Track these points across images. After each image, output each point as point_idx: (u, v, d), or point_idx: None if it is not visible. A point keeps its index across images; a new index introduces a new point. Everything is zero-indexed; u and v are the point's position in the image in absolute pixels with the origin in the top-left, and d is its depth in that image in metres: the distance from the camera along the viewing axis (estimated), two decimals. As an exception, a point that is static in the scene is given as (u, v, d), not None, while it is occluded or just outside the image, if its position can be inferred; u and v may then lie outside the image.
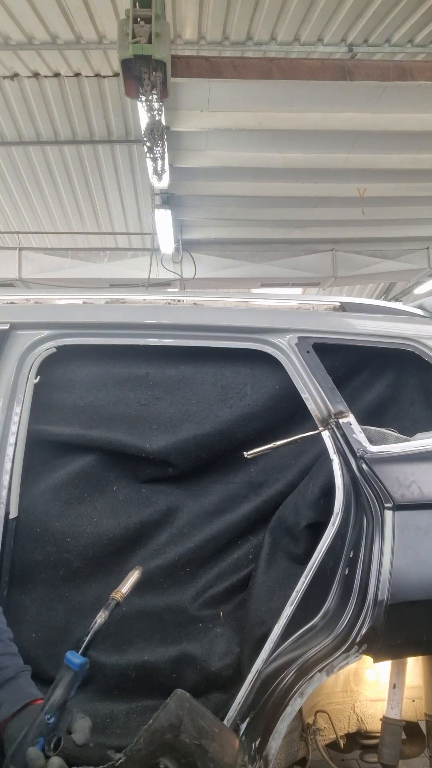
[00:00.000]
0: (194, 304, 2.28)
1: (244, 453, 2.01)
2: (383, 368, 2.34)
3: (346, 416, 2.01)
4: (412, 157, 5.61)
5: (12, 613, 1.79)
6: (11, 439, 1.98)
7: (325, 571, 1.86)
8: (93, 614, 2.06)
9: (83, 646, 1.48)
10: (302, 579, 1.85)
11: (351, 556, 1.82)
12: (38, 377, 2.08)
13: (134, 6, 3.65)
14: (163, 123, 4.52)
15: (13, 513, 1.99)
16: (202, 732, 1.32)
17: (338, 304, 2.34)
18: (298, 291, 9.71)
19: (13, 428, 1.99)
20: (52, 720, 1.35)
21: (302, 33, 5.57)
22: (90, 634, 1.50)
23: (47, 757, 1.29)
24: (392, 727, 1.96)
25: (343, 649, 1.69)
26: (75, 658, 1.44)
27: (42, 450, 2.15)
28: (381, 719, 1.99)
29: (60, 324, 2.13)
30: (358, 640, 1.69)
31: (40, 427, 2.12)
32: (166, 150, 4.93)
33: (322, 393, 2.05)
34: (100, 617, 1.53)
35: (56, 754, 1.30)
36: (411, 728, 2.15)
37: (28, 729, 1.35)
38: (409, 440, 2.03)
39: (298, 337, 2.12)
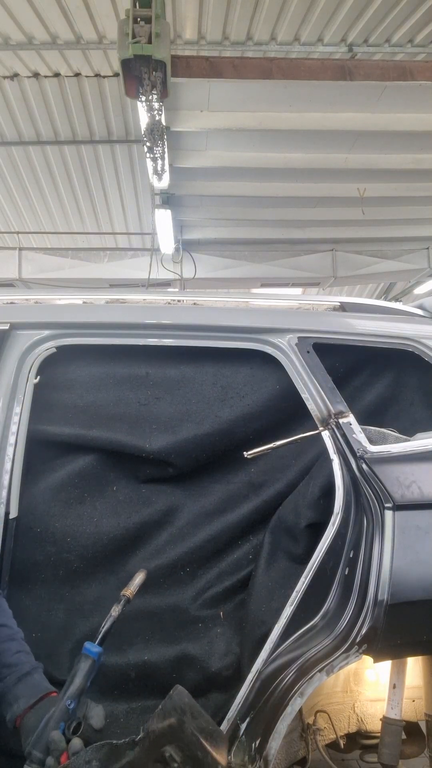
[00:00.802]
0: (194, 304, 2.28)
1: (244, 453, 2.01)
2: (383, 368, 2.34)
3: (346, 416, 2.01)
4: (412, 157, 5.61)
5: (12, 614, 1.80)
6: (11, 439, 1.98)
7: (325, 571, 1.86)
8: (93, 614, 2.07)
9: (100, 636, 1.62)
10: (302, 579, 1.86)
11: (351, 556, 1.82)
12: (38, 377, 2.08)
13: (134, 6, 3.65)
14: (163, 123, 4.52)
15: (13, 513, 1.99)
16: (200, 726, 1.38)
17: (338, 304, 2.34)
18: (298, 291, 9.71)
19: (13, 428, 1.99)
20: (72, 706, 1.46)
21: (302, 33, 5.57)
22: (106, 625, 1.65)
23: (68, 740, 1.40)
24: (392, 727, 1.96)
25: (343, 649, 1.69)
26: (92, 647, 1.58)
27: (42, 450, 2.15)
28: (381, 719, 1.99)
29: (60, 324, 2.13)
30: (358, 640, 1.69)
31: (41, 427, 2.12)
32: (166, 150, 4.93)
33: (322, 393, 2.05)
34: (114, 611, 1.67)
35: (76, 737, 1.43)
36: (411, 728, 2.15)
37: (50, 715, 1.45)
38: (409, 440, 2.03)
39: (298, 337, 2.12)
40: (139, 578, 1.78)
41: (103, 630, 1.64)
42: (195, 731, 1.33)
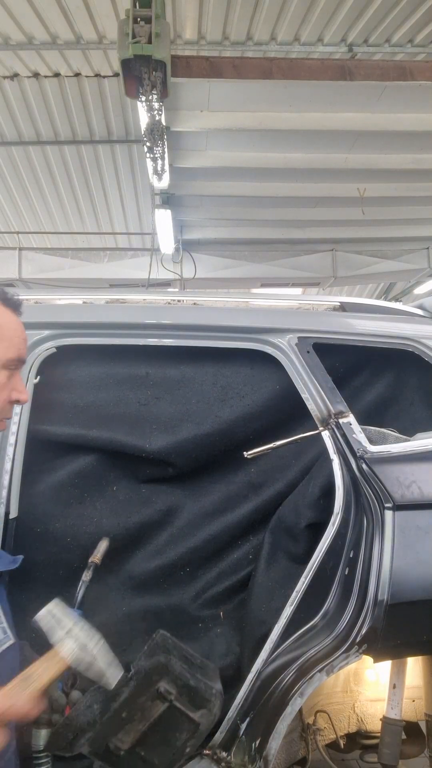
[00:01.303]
0: (194, 304, 2.28)
1: (244, 453, 2.01)
2: (383, 368, 2.34)
3: (346, 416, 2.01)
4: (412, 157, 5.61)
5: (12, 614, 1.79)
6: (11, 439, 1.98)
7: (325, 571, 1.86)
8: (94, 615, 2.07)
9: (77, 601, 1.81)
10: (302, 579, 1.86)
11: (351, 556, 1.82)
12: (38, 377, 2.08)
13: (134, 6, 3.65)
14: (163, 123, 4.52)
15: (13, 513, 1.99)
16: (188, 660, 1.49)
17: (338, 304, 2.33)
18: (298, 291, 9.71)
19: (13, 428, 1.99)
20: None
21: (302, 33, 5.57)
22: (81, 590, 1.84)
23: (67, 695, 1.53)
24: (392, 727, 1.96)
25: (343, 649, 1.69)
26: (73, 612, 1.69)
27: (42, 450, 2.15)
28: (381, 719, 1.99)
29: (60, 324, 2.13)
30: (358, 640, 1.69)
31: (40, 427, 2.12)
32: (166, 150, 4.92)
33: (322, 393, 2.04)
34: (86, 576, 1.85)
35: (74, 690, 1.57)
36: (411, 728, 2.15)
37: None
38: (409, 440, 2.03)
39: (298, 337, 2.12)
40: (103, 546, 1.93)
41: (79, 595, 1.83)
42: (183, 664, 1.44)
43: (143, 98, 4.05)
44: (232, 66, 4.26)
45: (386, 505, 1.77)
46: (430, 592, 1.72)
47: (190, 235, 8.08)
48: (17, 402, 1.32)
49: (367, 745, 2.14)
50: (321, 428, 2.00)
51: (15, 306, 1.30)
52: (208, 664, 1.56)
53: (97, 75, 6.18)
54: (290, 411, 2.21)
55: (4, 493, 1.95)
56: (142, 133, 4.61)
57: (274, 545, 2.16)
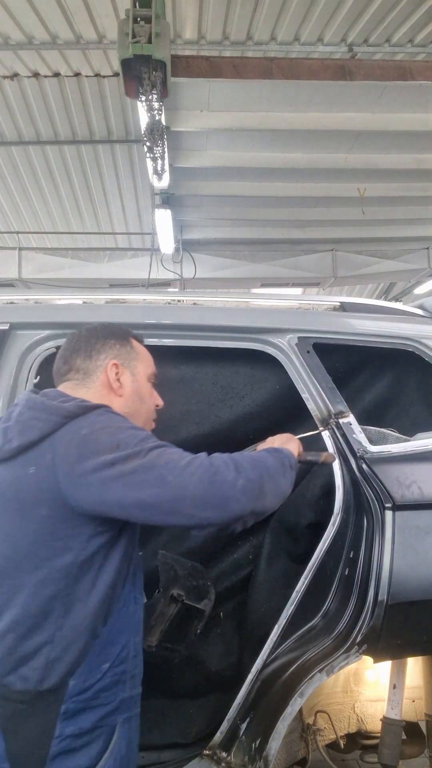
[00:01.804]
0: (194, 304, 2.28)
1: (245, 453, 2.01)
2: (383, 368, 2.34)
3: (346, 416, 2.00)
4: (412, 157, 5.61)
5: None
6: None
7: (325, 571, 1.86)
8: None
9: None
10: (302, 579, 1.85)
11: (351, 556, 1.82)
12: (38, 377, 2.08)
13: (134, 6, 3.65)
14: (163, 123, 4.52)
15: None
16: (183, 565, 1.84)
17: (338, 304, 2.33)
18: (298, 291, 9.70)
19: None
20: None
21: (302, 33, 5.56)
22: None
23: None
24: (392, 727, 1.96)
25: (343, 649, 1.69)
26: None
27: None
28: (381, 719, 1.99)
29: (60, 324, 2.13)
30: (358, 640, 1.69)
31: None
32: (166, 150, 4.92)
33: (322, 393, 2.04)
34: None
35: None
36: (411, 728, 2.15)
37: None
38: (409, 440, 2.03)
39: (298, 337, 2.12)
40: None
41: None
42: (186, 571, 1.82)
43: (143, 98, 4.05)
44: (232, 66, 4.26)
45: (386, 505, 1.77)
46: (430, 592, 1.72)
47: (190, 235, 8.07)
48: (157, 406, 1.70)
49: (367, 745, 2.14)
50: (321, 428, 2.00)
51: (141, 340, 1.76)
52: (196, 564, 1.88)
53: (97, 75, 6.17)
54: (290, 411, 2.21)
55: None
56: (142, 133, 4.61)
57: (274, 545, 2.16)
